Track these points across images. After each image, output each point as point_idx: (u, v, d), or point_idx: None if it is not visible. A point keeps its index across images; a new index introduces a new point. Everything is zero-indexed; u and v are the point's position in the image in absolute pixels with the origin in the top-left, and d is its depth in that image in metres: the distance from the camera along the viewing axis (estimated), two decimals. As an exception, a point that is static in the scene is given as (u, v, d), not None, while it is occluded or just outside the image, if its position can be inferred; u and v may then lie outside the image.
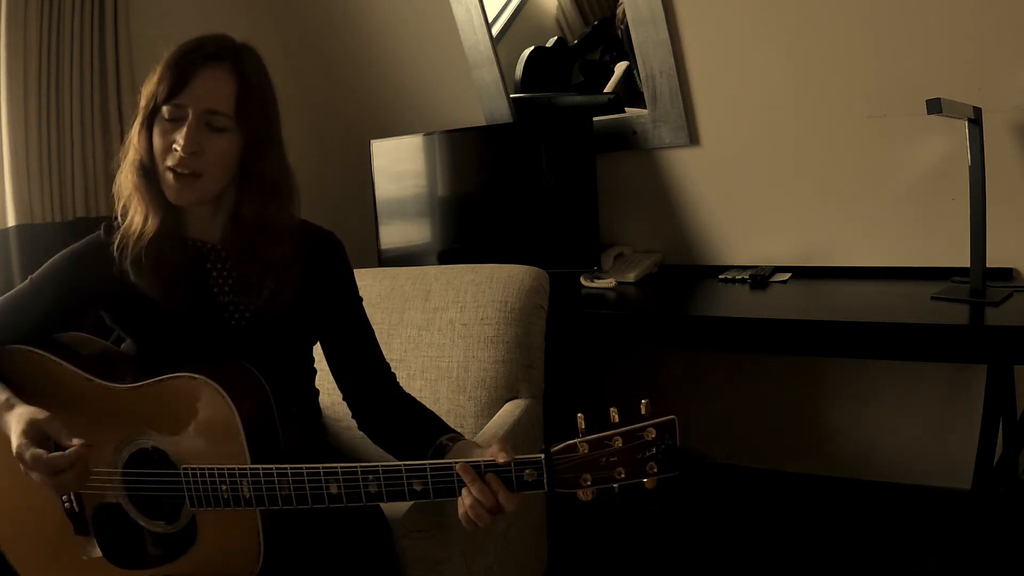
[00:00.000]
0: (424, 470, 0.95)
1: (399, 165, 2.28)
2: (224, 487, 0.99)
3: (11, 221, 1.82)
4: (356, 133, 2.52)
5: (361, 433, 1.24)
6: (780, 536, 2.02)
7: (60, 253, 1.15)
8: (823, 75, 1.88)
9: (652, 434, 0.88)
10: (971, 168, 1.53)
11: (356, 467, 0.97)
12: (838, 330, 1.53)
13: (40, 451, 0.95)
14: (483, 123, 2.33)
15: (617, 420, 0.89)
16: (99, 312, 1.15)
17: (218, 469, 0.99)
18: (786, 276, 1.95)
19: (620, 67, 2.13)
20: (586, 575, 1.93)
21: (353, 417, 1.24)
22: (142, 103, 1.05)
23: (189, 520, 1.05)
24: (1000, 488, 1.72)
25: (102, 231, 1.13)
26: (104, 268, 1.09)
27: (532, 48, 2.22)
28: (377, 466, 0.96)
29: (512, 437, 1.37)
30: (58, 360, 1.10)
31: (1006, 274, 1.78)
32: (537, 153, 2.09)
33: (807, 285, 1.90)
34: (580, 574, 1.93)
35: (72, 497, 1.09)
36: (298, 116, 2.59)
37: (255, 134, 1.06)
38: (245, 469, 0.99)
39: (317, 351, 1.26)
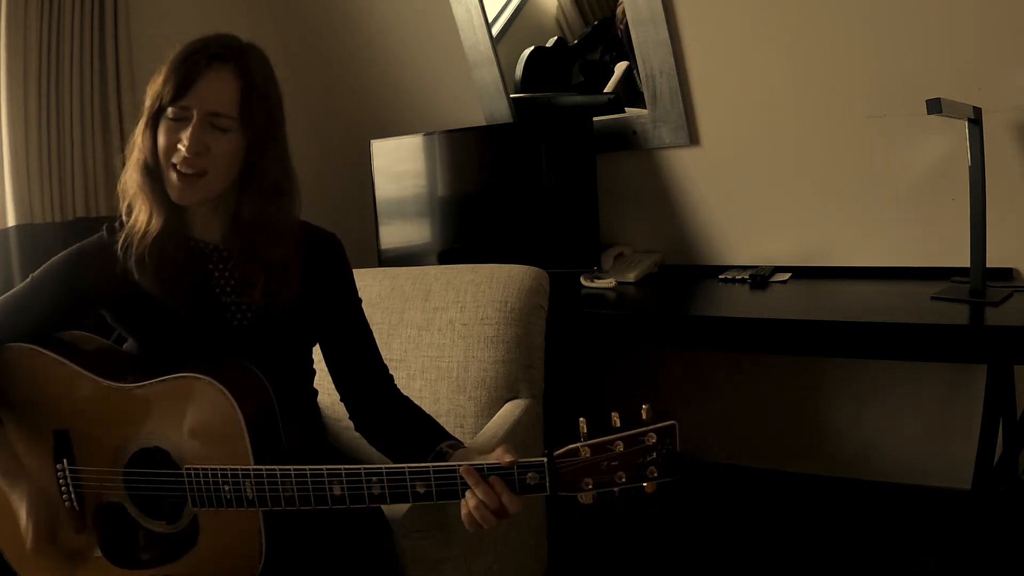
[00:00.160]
0: (428, 472, 0.96)
1: (399, 165, 2.28)
2: (227, 487, 0.99)
3: (11, 221, 1.82)
4: (356, 133, 2.52)
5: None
6: (780, 536, 2.02)
7: (61, 253, 1.15)
8: (823, 75, 1.88)
9: (653, 439, 0.89)
10: (971, 168, 1.54)
11: (360, 469, 0.97)
12: (838, 330, 1.53)
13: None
14: (483, 123, 2.33)
15: (619, 425, 0.91)
16: (100, 312, 1.15)
17: (221, 469, 0.99)
18: (786, 276, 1.95)
19: (620, 67, 2.13)
20: (586, 575, 1.93)
21: (350, 418, 1.24)
22: (147, 103, 1.05)
23: (191, 520, 1.05)
24: (1000, 488, 1.72)
25: (104, 231, 1.14)
26: (107, 267, 1.09)
27: (532, 48, 2.22)
28: (381, 468, 0.97)
29: (512, 437, 1.37)
30: (61, 359, 1.10)
31: (1006, 274, 1.78)
32: (537, 153, 2.09)
33: (807, 285, 1.90)
34: (580, 574, 1.93)
35: (73, 496, 1.09)
36: (298, 116, 2.58)
37: (259, 135, 1.06)
38: (248, 470, 0.99)
39: (316, 352, 1.26)
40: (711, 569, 1.92)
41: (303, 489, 0.98)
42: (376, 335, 1.27)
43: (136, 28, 2.04)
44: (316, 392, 1.29)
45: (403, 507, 1.21)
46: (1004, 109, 1.70)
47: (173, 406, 1.04)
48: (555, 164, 2.06)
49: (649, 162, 2.15)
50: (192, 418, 1.03)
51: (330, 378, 1.25)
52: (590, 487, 0.91)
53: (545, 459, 0.92)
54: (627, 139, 2.13)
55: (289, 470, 0.98)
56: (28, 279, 1.15)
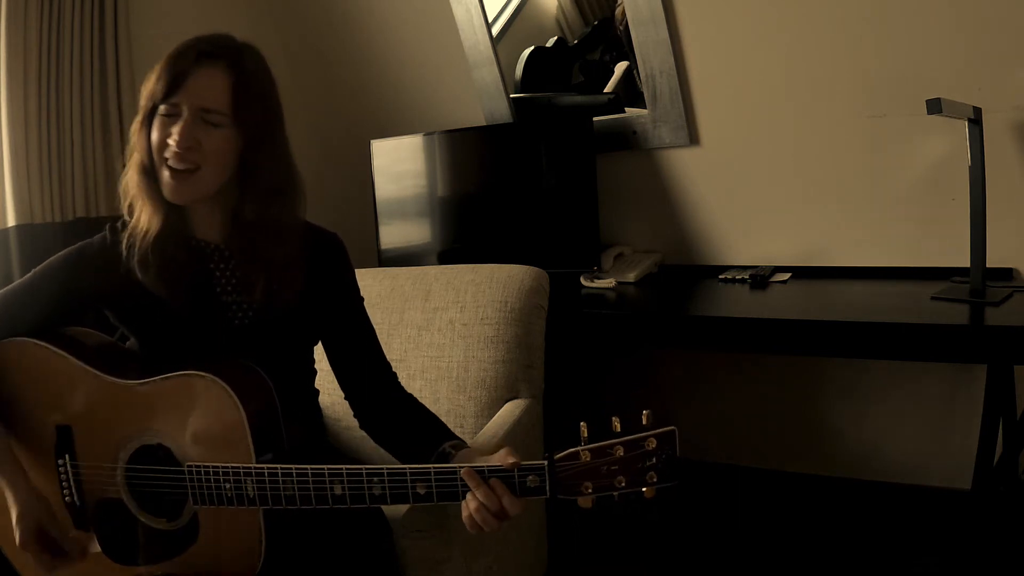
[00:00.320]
0: (428, 474, 0.96)
1: (399, 165, 2.28)
2: (228, 485, 1.00)
3: (11, 221, 1.82)
4: (356, 133, 2.52)
5: (361, 433, 1.25)
6: (780, 536, 2.02)
7: (61, 252, 1.15)
8: (823, 75, 1.88)
9: (653, 444, 0.89)
10: (971, 168, 1.54)
11: (361, 469, 0.97)
12: (838, 330, 1.53)
13: (38, 549, 1.05)
14: (483, 123, 2.33)
15: (619, 429, 0.91)
16: (102, 311, 1.16)
17: (223, 467, 1.00)
18: (786, 276, 1.95)
19: (620, 67, 2.13)
20: (586, 575, 1.93)
21: (355, 416, 1.24)
22: (142, 102, 1.06)
23: (191, 518, 1.05)
24: (1000, 488, 1.72)
25: (107, 231, 1.14)
26: (109, 267, 1.10)
27: (532, 48, 2.22)
28: (382, 468, 0.97)
29: (512, 437, 1.37)
30: (64, 353, 1.10)
31: (1006, 274, 1.78)
32: (537, 153, 2.09)
33: (807, 285, 1.90)
34: (580, 575, 1.93)
35: (73, 491, 1.09)
36: (298, 116, 2.59)
37: (254, 132, 1.06)
38: (250, 468, 0.99)
39: (318, 351, 1.26)
40: (711, 569, 1.92)
41: (304, 488, 0.98)
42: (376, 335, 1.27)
43: (136, 28, 2.05)
44: (317, 392, 1.29)
45: (403, 507, 1.21)
46: (1004, 109, 1.70)
47: (176, 403, 1.04)
48: (555, 164, 2.06)
49: (649, 162, 2.15)
50: (195, 416, 1.03)
51: (330, 379, 1.25)
52: (590, 491, 0.91)
53: (546, 462, 0.93)
54: (627, 139, 2.13)
55: (290, 469, 0.98)
56: (28, 275, 1.15)
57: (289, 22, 2.56)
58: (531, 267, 1.65)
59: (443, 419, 1.22)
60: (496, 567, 1.38)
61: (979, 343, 1.45)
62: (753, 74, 1.96)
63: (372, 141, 2.31)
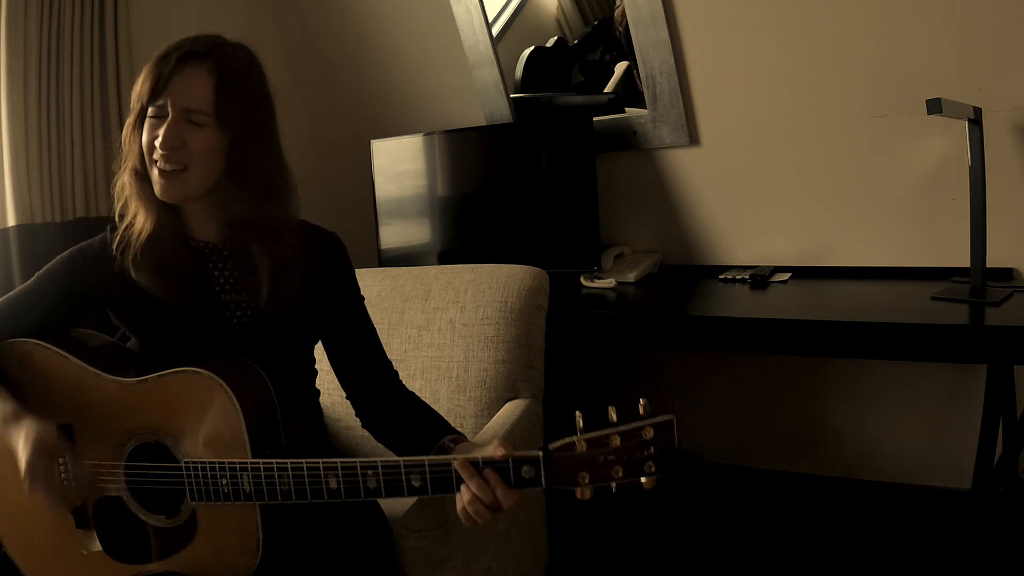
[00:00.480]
0: (423, 465, 0.96)
1: (399, 165, 2.28)
2: (224, 481, 1.00)
3: (11, 221, 1.82)
4: (356, 133, 2.52)
5: (362, 433, 1.25)
6: (780, 536, 2.02)
7: (63, 253, 1.16)
8: (823, 75, 1.88)
9: (650, 433, 0.88)
10: (971, 168, 1.54)
11: (355, 462, 0.97)
12: (838, 330, 1.53)
13: (52, 469, 0.99)
14: (483, 123, 2.33)
15: (615, 419, 0.89)
16: (103, 311, 1.16)
17: (219, 463, 1.00)
18: (786, 276, 1.95)
19: (620, 67, 2.13)
20: (585, 575, 1.93)
21: (356, 415, 1.25)
22: (132, 104, 1.08)
23: (189, 515, 1.05)
24: (1000, 488, 1.72)
25: (108, 231, 1.15)
26: (107, 267, 1.11)
27: (532, 48, 2.22)
28: (376, 461, 0.97)
29: (512, 437, 1.37)
30: (64, 353, 1.10)
31: (1006, 274, 1.78)
32: (537, 153, 2.09)
33: (807, 285, 1.90)
34: (580, 574, 1.93)
35: None
36: (298, 116, 2.60)
37: (239, 131, 1.07)
38: (246, 463, 0.99)
39: (318, 351, 1.26)
40: (711, 569, 1.92)
41: (299, 482, 0.98)
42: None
43: (136, 28, 2.04)
44: (318, 392, 1.29)
45: (404, 506, 1.21)
46: (1004, 109, 1.70)
47: (173, 400, 1.05)
48: (555, 164, 2.06)
49: (649, 162, 2.15)
50: (192, 412, 1.04)
51: (330, 379, 1.25)
52: (586, 481, 0.90)
53: (540, 452, 0.92)
54: (627, 139, 2.13)
55: (285, 463, 0.98)
56: (32, 279, 1.16)
57: (289, 22, 2.56)
58: (531, 267, 1.65)
59: (446, 419, 1.22)
60: (496, 567, 1.38)
61: (979, 343, 1.45)
62: (753, 74, 1.96)
63: (372, 141, 2.31)
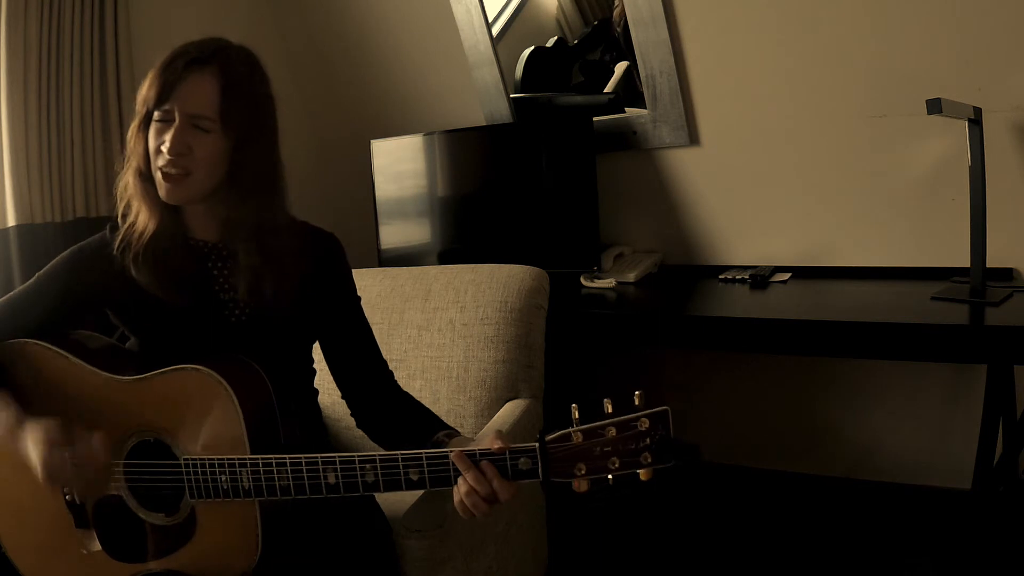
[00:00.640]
0: (420, 459, 0.96)
1: (399, 165, 2.28)
2: (224, 477, 1.00)
3: (11, 221, 1.82)
4: (356, 133, 2.52)
5: (361, 433, 1.25)
6: (780, 536, 2.02)
7: (63, 253, 1.17)
8: (823, 75, 1.88)
9: (646, 424, 0.88)
10: (971, 168, 1.54)
11: (353, 456, 0.98)
12: (838, 330, 1.53)
13: (67, 463, 0.98)
14: (483, 123, 2.33)
15: (611, 411, 0.90)
16: (104, 310, 1.17)
17: (218, 459, 1.00)
18: (786, 276, 1.95)
19: (620, 67, 2.13)
20: (586, 575, 1.93)
21: (352, 415, 1.25)
22: (137, 108, 1.08)
23: (188, 513, 1.05)
24: (1000, 488, 1.72)
25: (108, 230, 1.16)
26: (107, 266, 1.12)
27: (532, 48, 2.22)
28: (374, 455, 0.97)
29: (512, 437, 1.36)
30: (63, 353, 1.11)
31: (1006, 274, 1.78)
32: (537, 153, 2.09)
33: (807, 285, 1.90)
34: (580, 574, 1.93)
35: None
36: (298, 116, 2.60)
37: (242, 134, 1.08)
38: (245, 459, 1.00)
39: (317, 351, 1.26)
40: (711, 569, 1.92)
41: (298, 478, 0.99)
42: (376, 335, 1.27)
43: (136, 28, 2.04)
44: (317, 391, 1.30)
45: (403, 506, 1.21)
46: (1004, 109, 1.70)
47: (172, 398, 1.05)
48: (555, 164, 2.06)
49: (649, 162, 2.15)
50: (190, 409, 1.04)
51: (330, 378, 1.26)
52: (583, 472, 0.90)
53: (537, 444, 0.92)
54: (627, 139, 2.13)
55: (284, 459, 0.99)
56: (32, 279, 1.17)
57: (289, 22, 2.56)
58: (531, 267, 1.65)
59: (443, 419, 1.22)
60: (496, 567, 1.38)
61: (979, 343, 1.45)
62: (753, 74, 1.96)
63: (372, 141, 2.31)
